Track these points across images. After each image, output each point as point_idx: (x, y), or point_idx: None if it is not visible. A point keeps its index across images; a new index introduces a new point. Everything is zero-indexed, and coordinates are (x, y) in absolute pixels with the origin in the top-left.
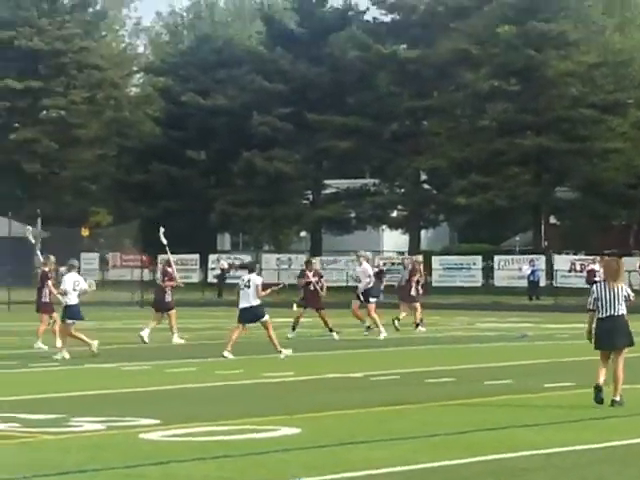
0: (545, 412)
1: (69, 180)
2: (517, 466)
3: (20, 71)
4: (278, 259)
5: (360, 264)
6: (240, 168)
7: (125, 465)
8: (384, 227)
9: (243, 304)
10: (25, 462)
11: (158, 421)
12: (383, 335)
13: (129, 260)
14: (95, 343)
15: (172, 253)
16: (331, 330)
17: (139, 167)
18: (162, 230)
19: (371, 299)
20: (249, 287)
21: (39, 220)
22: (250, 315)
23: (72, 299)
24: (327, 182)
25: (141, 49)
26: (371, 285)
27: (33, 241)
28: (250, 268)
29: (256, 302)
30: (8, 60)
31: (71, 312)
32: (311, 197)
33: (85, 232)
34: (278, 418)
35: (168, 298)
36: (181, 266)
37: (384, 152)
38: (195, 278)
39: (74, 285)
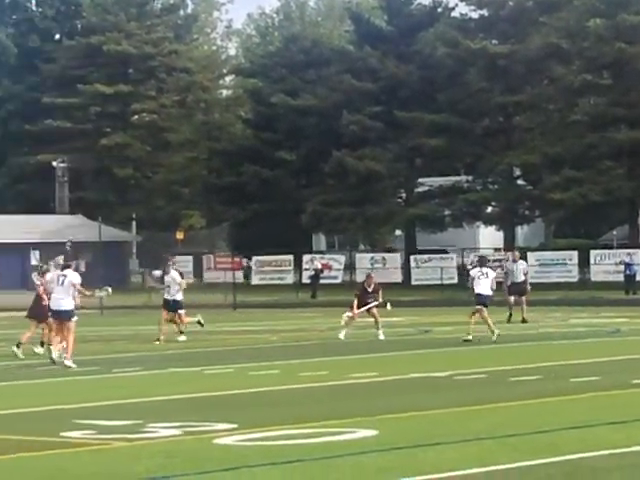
0: (630, 409)
1: (161, 184)
2: (594, 465)
3: (110, 76)
4: (372, 258)
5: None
6: (331, 168)
7: (195, 471)
8: (479, 224)
9: None
10: (94, 471)
11: (235, 425)
12: None
13: (222, 262)
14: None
15: (266, 254)
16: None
17: (230, 169)
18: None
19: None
20: None
21: (133, 224)
22: None
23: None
24: (420, 180)
25: (232, 51)
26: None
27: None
28: None
29: None
30: (98, 65)
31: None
32: (404, 196)
33: (179, 235)
34: (357, 420)
35: None
36: (275, 267)
37: (476, 148)
38: (289, 279)
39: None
